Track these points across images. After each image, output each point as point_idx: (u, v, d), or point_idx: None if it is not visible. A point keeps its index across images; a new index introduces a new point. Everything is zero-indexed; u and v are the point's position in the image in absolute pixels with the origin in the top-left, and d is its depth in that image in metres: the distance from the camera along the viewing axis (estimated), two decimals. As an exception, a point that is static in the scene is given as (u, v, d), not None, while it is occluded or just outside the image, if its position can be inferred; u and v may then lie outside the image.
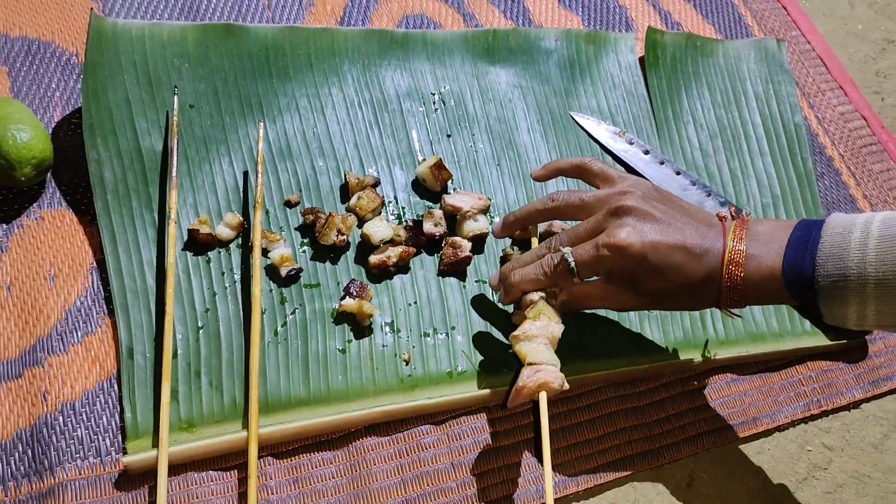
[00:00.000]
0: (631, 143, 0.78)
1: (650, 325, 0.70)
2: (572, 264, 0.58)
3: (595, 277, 0.60)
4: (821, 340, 0.73)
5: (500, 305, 0.68)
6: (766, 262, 0.56)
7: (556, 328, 0.59)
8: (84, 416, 0.57)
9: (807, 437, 0.68)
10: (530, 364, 0.58)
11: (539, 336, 0.59)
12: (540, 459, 0.57)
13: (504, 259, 0.70)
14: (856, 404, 0.71)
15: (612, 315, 0.69)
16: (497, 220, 0.71)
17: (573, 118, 0.79)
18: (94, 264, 0.63)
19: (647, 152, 0.78)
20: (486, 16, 0.85)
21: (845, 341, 0.73)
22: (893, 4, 0.95)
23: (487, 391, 0.63)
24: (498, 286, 0.63)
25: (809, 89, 0.89)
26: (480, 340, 0.66)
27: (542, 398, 0.57)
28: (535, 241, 0.67)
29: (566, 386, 0.58)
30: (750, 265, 0.56)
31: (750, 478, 0.64)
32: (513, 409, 0.62)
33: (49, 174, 0.66)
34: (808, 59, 0.91)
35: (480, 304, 0.68)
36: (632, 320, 0.69)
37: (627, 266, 0.57)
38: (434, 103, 0.76)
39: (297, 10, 0.80)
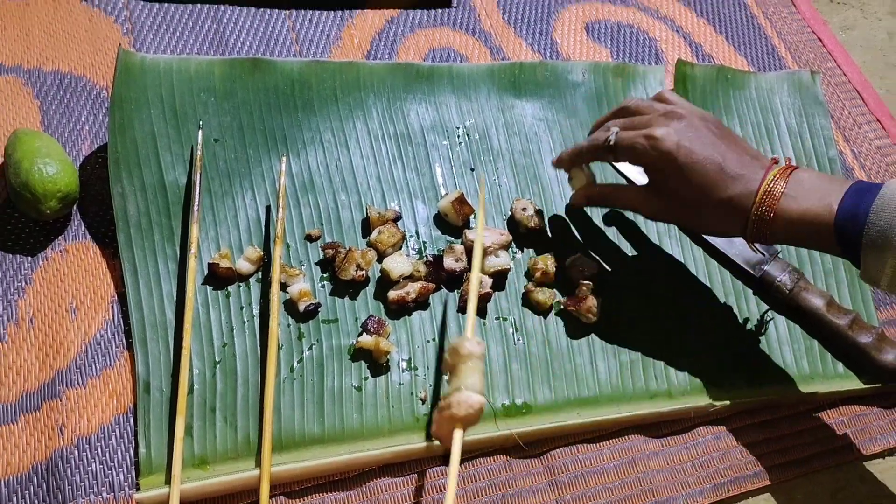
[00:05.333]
0: (658, 178, 0.77)
1: (675, 365, 0.68)
2: (612, 141, 0.63)
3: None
4: (854, 384, 0.70)
5: (518, 344, 0.67)
6: (806, 202, 0.57)
7: (479, 359, 0.56)
8: (99, 450, 0.58)
9: (839, 485, 0.65)
10: (437, 406, 0.55)
11: (452, 364, 0.56)
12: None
13: (525, 295, 0.69)
14: (891, 451, 0.69)
15: (636, 356, 0.68)
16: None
17: (599, 152, 0.78)
18: (116, 297, 0.64)
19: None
20: (514, 49, 0.85)
21: (880, 385, 0.70)
22: (935, 35, 0.93)
23: (505, 432, 0.62)
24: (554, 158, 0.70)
25: (845, 122, 0.87)
26: (499, 380, 0.65)
27: (456, 437, 0.53)
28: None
29: (476, 403, 0.53)
30: (786, 202, 0.58)
31: (778, 527, 0.62)
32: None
33: (75, 207, 0.67)
34: (843, 91, 0.89)
35: (500, 341, 0.66)
36: (655, 360, 0.68)
37: (659, 161, 0.60)
38: (458, 137, 0.76)
39: (324, 44, 0.81)
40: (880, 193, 0.55)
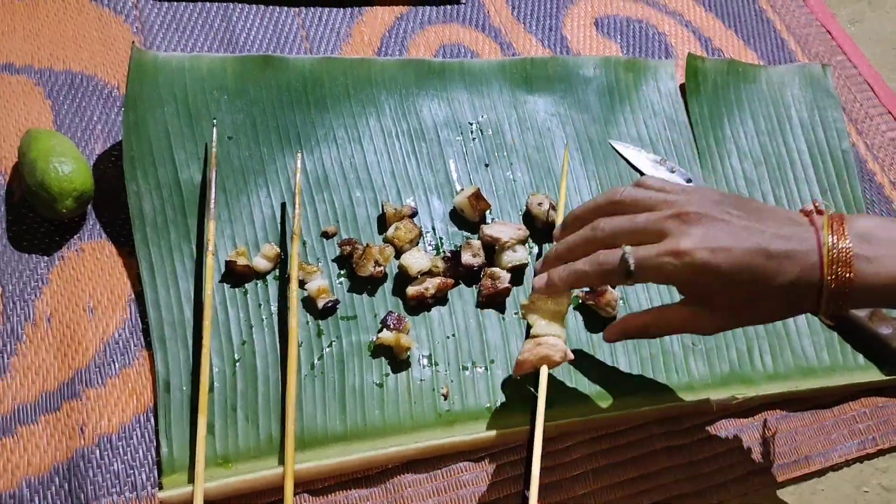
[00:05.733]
0: (672, 171, 0.77)
1: (695, 360, 0.67)
2: (632, 267, 0.52)
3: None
4: (875, 375, 0.70)
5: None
6: (888, 263, 0.50)
7: (563, 299, 0.60)
8: (121, 449, 0.57)
9: (863, 477, 0.65)
10: (533, 336, 0.59)
11: (545, 307, 0.60)
12: (530, 443, 0.56)
13: (544, 290, 0.68)
14: (913, 443, 0.68)
15: (657, 349, 0.67)
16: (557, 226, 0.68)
17: (612, 147, 0.78)
18: (133, 296, 0.63)
19: (689, 181, 0.76)
20: (524, 45, 0.85)
21: (901, 376, 0.70)
22: (943, 28, 0.93)
23: (528, 427, 0.61)
24: (541, 279, 0.58)
25: (857, 115, 0.87)
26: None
27: (543, 372, 0.58)
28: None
29: (570, 356, 0.59)
30: (863, 268, 0.50)
31: (803, 520, 0.61)
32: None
33: (90, 206, 0.66)
34: (854, 84, 0.89)
35: (521, 336, 0.66)
36: (676, 354, 0.67)
37: (698, 278, 0.51)
38: (472, 133, 0.76)
39: (334, 41, 0.80)
40: None
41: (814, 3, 0.95)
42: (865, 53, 0.92)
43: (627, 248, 0.53)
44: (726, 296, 0.52)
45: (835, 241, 0.51)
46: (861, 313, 0.70)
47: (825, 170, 0.81)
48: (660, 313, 0.57)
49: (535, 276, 0.60)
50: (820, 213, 0.54)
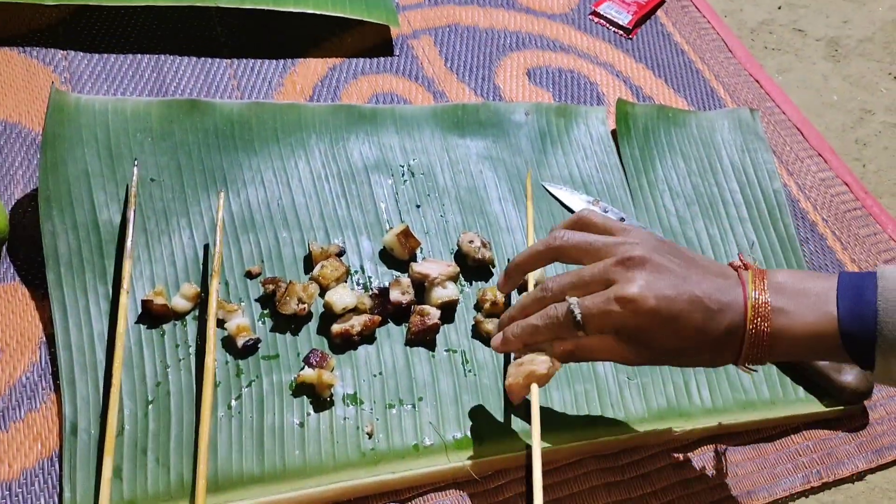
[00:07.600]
0: (606, 212, 0.77)
1: (631, 393, 0.66)
2: (578, 317, 0.53)
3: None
4: (816, 407, 0.68)
5: (468, 375, 0.64)
6: (802, 315, 0.52)
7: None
8: (21, 497, 0.54)
9: (809, 511, 0.63)
10: (515, 361, 0.58)
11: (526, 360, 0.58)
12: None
13: (475, 327, 0.67)
14: (859, 476, 0.66)
15: (591, 384, 0.66)
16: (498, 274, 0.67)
17: (545, 188, 0.78)
18: (44, 339, 0.61)
19: (622, 220, 0.76)
20: (457, 93, 0.86)
21: (843, 408, 0.69)
22: (868, 76, 0.96)
23: (456, 464, 0.59)
24: (496, 339, 0.58)
25: (787, 157, 0.88)
26: (450, 412, 0.62)
27: (534, 390, 0.56)
28: (530, 284, 0.66)
29: (558, 366, 0.56)
30: (779, 319, 0.52)
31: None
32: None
33: (5, 249, 0.64)
34: (783, 128, 0.91)
35: (450, 373, 0.64)
36: (611, 389, 0.66)
37: (641, 323, 0.52)
38: (403, 175, 0.75)
39: (266, 90, 0.80)
40: (881, 288, 0.51)
41: (741, 55, 0.98)
42: (793, 100, 0.94)
43: (572, 300, 0.53)
44: (664, 342, 0.54)
45: (757, 295, 0.53)
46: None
47: (758, 209, 0.81)
48: (584, 342, 0.55)
49: (491, 341, 0.59)
50: (746, 266, 0.56)
